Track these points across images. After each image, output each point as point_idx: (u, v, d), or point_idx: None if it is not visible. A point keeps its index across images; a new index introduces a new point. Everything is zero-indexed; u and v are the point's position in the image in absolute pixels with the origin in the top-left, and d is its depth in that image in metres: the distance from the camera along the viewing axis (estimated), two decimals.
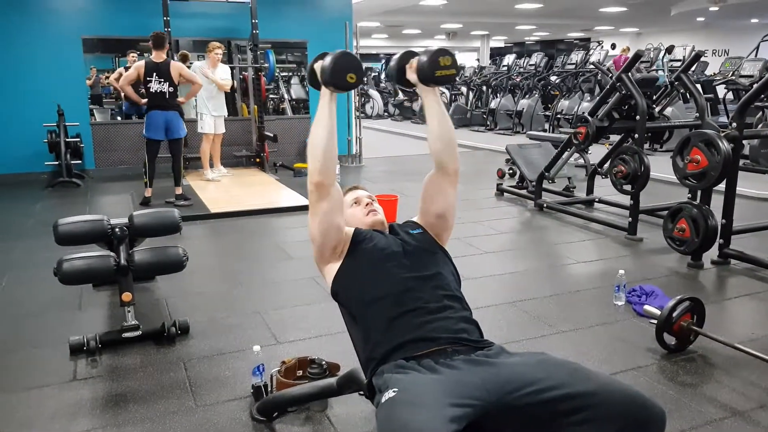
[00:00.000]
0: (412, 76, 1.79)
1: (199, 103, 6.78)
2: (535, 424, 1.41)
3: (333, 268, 1.79)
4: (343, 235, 1.80)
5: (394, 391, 1.37)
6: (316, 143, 1.71)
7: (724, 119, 8.82)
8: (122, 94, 7.88)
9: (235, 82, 8.84)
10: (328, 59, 1.69)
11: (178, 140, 5.89)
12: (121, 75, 7.50)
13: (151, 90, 5.64)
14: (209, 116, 6.85)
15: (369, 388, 1.62)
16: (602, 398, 1.36)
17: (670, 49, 10.92)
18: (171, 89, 5.68)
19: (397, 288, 1.68)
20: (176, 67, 5.75)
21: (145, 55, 7.67)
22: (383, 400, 1.38)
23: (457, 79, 15.69)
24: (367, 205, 1.98)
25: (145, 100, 5.83)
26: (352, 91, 8.52)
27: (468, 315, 1.70)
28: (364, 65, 19.57)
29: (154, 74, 5.61)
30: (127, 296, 2.82)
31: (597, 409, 1.35)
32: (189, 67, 6.58)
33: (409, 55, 1.83)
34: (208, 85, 6.64)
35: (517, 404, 1.38)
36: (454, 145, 1.82)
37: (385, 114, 17.21)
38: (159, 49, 5.65)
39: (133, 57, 8.45)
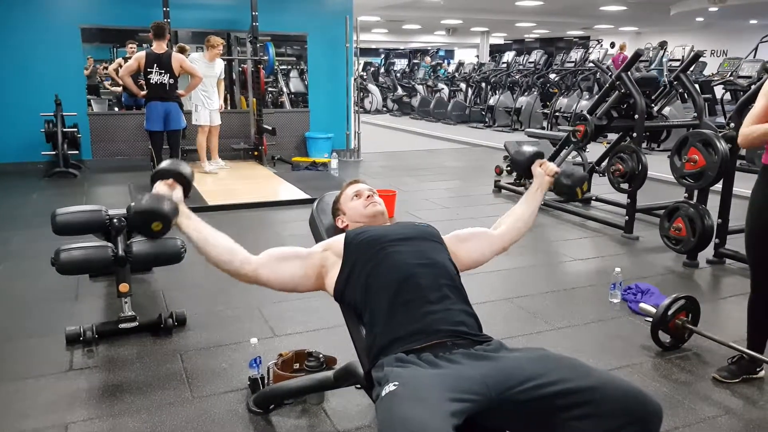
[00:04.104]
0: (543, 178, 2.06)
1: (194, 96, 6.74)
2: (534, 419, 1.41)
3: (332, 276, 1.78)
4: (319, 262, 1.80)
5: (394, 385, 1.37)
6: (213, 262, 1.77)
7: (721, 120, 8.85)
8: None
9: (234, 74, 8.84)
10: (134, 206, 1.69)
11: (177, 132, 5.88)
12: (120, 66, 7.48)
13: (151, 81, 5.62)
14: (204, 108, 6.82)
15: (367, 379, 1.62)
16: (602, 394, 1.36)
17: (662, 44, 10.93)
18: (171, 81, 5.65)
19: (398, 273, 1.67)
20: (177, 58, 5.73)
21: (144, 45, 7.64)
22: (383, 393, 1.38)
23: (457, 75, 15.73)
24: (368, 197, 1.98)
25: (144, 92, 5.81)
26: (351, 86, 8.55)
27: (467, 307, 1.70)
28: (364, 60, 19.54)
29: (155, 65, 5.59)
30: (124, 287, 2.82)
31: (597, 404, 1.35)
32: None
33: (540, 155, 2.12)
34: (204, 78, 6.61)
35: (516, 399, 1.39)
36: (524, 234, 2.05)
37: (384, 109, 17.19)
38: (159, 39, 5.62)
39: (132, 48, 8.41)
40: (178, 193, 1.74)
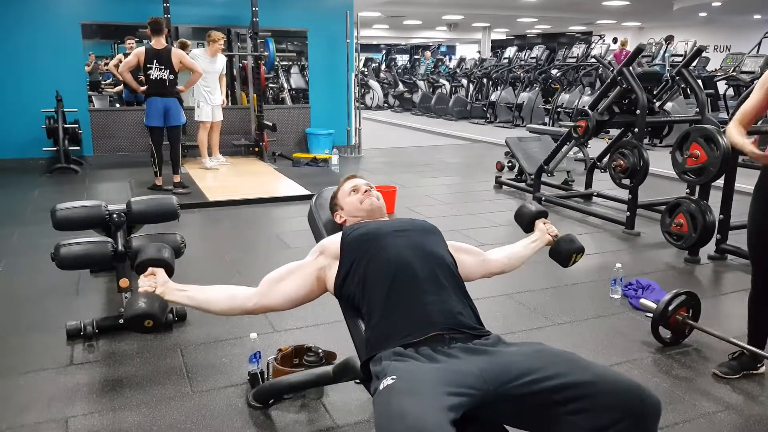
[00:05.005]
0: (545, 235, 2.16)
1: (196, 92, 6.74)
2: (532, 413, 1.41)
3: (331, 276, 1.78)
4: (315, 267, 1.81)
5: (392, 379, 1.37)
6: (221, 314, 1.88)
7: (724, 115, 8.82)
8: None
9: (235, 70, 8.83)
10: (124, 314, 1.74)
11: (177, 127, 5.87)
12: (120, 61, 7.46)
13: (151, 77, 5.61)
14: (206, 104, 6.81)
15: (365, 372, 1.62)
16: (599, 388, 1.36)
17: (668, 39, 10.89)
18: (171, 77, 5.65)
19: (393, 265, 1.67)
20: (177, 54, 5.72)
21: (144, 41, 7.63)
22: (381, 387, 1.38)
23: (458, 71, 15.70)
24: (365, 192, 1.97)
25: (143, 88, 5.80)
26: (352, 81, 8.53)
27: (465, 298, 1.71)
28: (365, 56, 19.51)
29: (155, 61, 5.58)
30: (124, 282, 2.82)
31: (594, 399, 1.35)
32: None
33: (545, 214, 2.24)
34: (206, 74, 6.61)
35: (514, 393, 1.39)
36: (511, 271, 2.16)
37: (385, 105, 17.17)
38: (157, 35, 5.61)
39: (131, 43, 8.40)
40: (161, 276, 1.79)
